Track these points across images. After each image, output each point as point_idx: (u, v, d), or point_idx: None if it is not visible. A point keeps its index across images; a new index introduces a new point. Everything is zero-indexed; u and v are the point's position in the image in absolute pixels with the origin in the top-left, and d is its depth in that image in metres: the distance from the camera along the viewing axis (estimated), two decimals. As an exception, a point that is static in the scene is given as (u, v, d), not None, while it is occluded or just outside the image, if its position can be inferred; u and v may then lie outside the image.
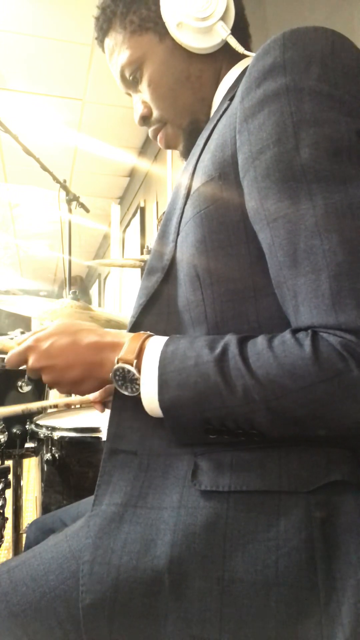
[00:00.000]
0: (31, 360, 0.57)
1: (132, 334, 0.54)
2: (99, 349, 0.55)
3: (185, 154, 0.71)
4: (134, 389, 0.51)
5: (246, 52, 0.64)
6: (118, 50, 0.68)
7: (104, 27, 0.69)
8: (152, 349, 0.51)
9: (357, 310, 0.42)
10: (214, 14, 0.62)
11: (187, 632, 0.45)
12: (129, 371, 0.51)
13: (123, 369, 0.51)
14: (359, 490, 0.48)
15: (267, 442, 0.48)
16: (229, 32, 0.63)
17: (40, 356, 0.56)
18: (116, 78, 0.72)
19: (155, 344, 0.51)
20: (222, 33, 0.63)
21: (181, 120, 0.69)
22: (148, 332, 0.54)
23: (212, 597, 0.45)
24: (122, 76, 0.70)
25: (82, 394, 0.58)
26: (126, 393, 0.52)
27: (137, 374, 0.50)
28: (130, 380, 0.51)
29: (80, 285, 3.18)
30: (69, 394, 0.63)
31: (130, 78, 0.69)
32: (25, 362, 0.58)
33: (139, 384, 0.51)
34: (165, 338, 0.52)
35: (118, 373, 0.52)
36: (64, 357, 0.55)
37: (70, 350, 0.55)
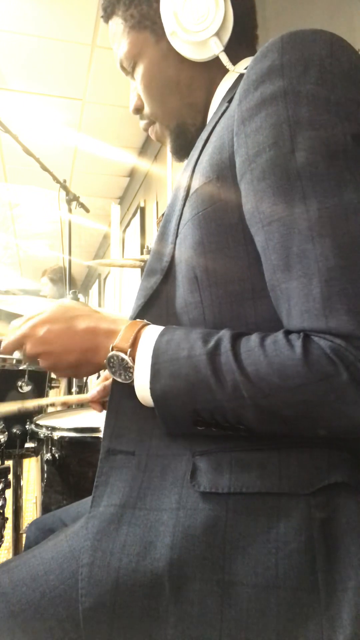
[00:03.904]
0: (28, 347, 0.58)
1: (128, 322, 0.55)
2: (94, 334, 0.56)
3: (174, 153, 0.72)
4: (127, 377, 0.52)
5: (236, 70, 0.63)
6: (118, 39, 0.69)
7: (107, 10, 0.70)
8: (147, 338, 0.52)
9: (347, 315, 0.42)
10: (208, 28, 0.61)
11: (188, 635, 0.45)
12: (122, 359, 0.52)
13: (117, 356, 0.52)
14: (359, 492, 0.48)
15: (255, 437, 0.49)
16: (222, 48, 0.62)
17: (36, 343, 0.57)
18: (117, 63, 0.73)
19: (151, 333, 0.52)
20: (215, 49, 0.62)
21: (168, 121, 0.70)
22: (144, 321, 0.55)
23: (212, 600, 0.45)
24: (121, 64, 0.71)
25: (81, 377, 0.59)
26: (119, 380, 0.53)
27: (130, 363, 0.51)
28: (123, 367, 0.52)
29: (54, 274, 3.09)
30: (67, 377, 0.64)
31: (128, 69, 0.71)
32: (22, 349, 0.59)
33: (132, 372, 0.51)
34: (161, 328, 0.53)
35: (112, 360, 0.53)
36: (60, 343, 0.56)
37: (66, 336, 0.56)
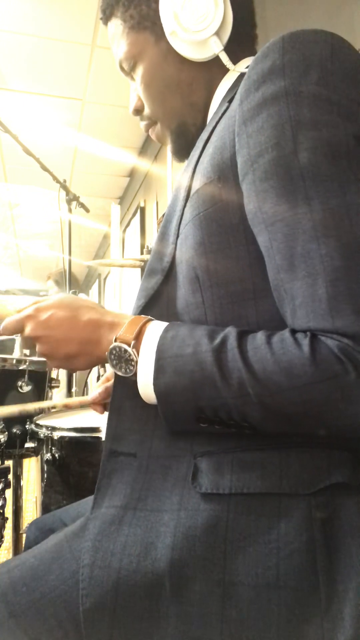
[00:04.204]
0: (28, 329, 0.58)
1: (132, 317, 0.55)
2: (97, 326, 0.56)
3: (175, 153, 0.72)
4: (128, 370, 0.52)
5: (236, 69, 0.63)
6: (117, 40, 0.69)
7: (106, 12, 0.69)
8: (152, 333, 0.51)
9: (354, 315, 0.42)
10: (208, 28, 0.61)
11: (188, 635, 0.45)
12: (125, 351, 0.51)
13: (120, 348, 0.52)
14: (359, 492, 0.48)
15: (260, 436, 0.48)
16: (222, 47, 0.62)
17: (37, 325, 0.57)
18: (116, 64, 0.73)
19: (155, 328, 0.52)
20: (215, 48, 0.62)
21: (169, 122, 0.70)
22: (148, 317, 0.54)
23: (213, 600, 0.45)
24: (121, 66, 0.71)
25: (74, 370, 0.58)
26: (120, 373, 0.53)
27: (133, 355, 0.51)
28: (125, 360, 0.52)
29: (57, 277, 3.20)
30: (60, 367, 0.63)
31: (127, 69, 0.70)
32: (22, 329, 0.59)
33: (133, 365, 0.51)
34: (166, 323, 0.53)
35: (114, 352, 0.52)
36: (62, 330, 0.56)
37: (68, 324, 0.56)
